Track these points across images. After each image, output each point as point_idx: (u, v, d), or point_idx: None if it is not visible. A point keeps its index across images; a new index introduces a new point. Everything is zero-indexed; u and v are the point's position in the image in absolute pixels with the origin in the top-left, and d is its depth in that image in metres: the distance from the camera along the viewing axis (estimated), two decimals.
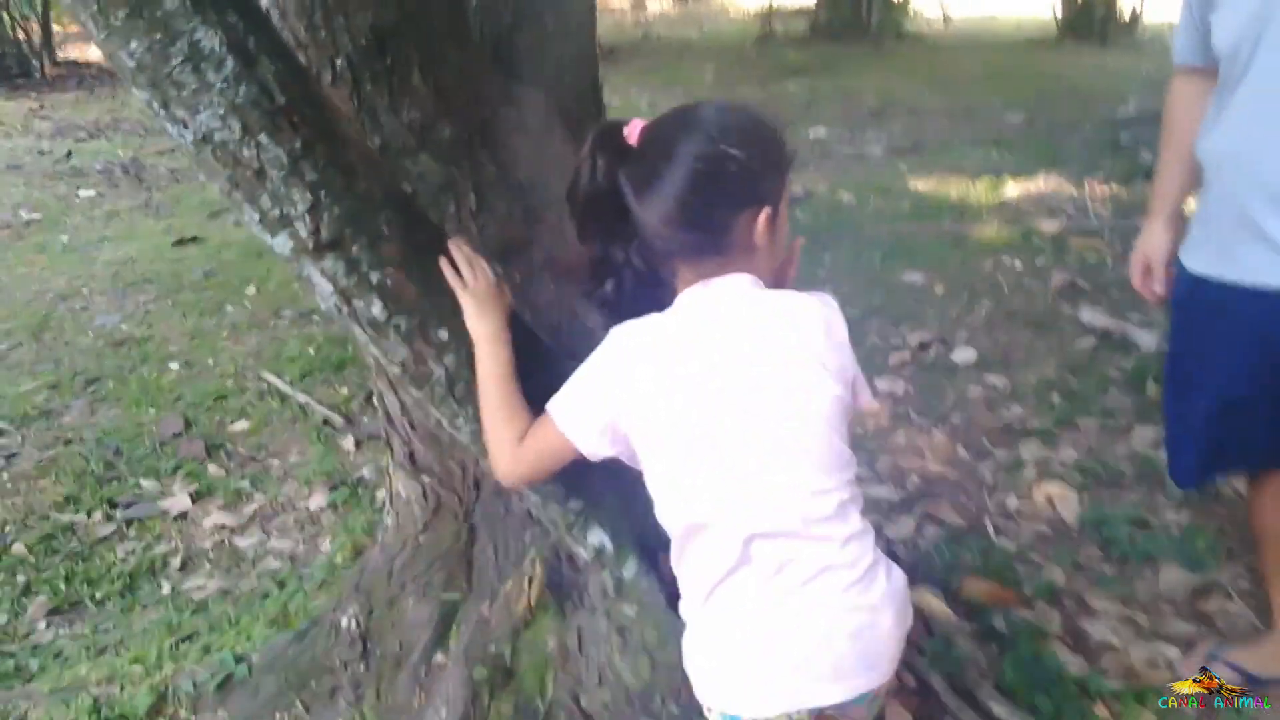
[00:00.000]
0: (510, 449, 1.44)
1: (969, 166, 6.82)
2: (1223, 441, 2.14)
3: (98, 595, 2.93)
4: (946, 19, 14.99)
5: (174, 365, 4.48)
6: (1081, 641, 2.49)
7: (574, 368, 1.73)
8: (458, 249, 1.52)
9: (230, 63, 1.23)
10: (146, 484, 3.51)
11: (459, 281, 1.50)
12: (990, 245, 5.34)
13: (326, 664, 2.09)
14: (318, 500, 3.41)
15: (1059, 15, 13.47)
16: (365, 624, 2.06)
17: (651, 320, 1.36)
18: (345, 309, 1.41)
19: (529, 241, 1.83)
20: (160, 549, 3.16)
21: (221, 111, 1.24)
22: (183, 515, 3.34)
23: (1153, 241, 2.23)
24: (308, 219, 1.30)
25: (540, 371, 1.51)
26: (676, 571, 1.44)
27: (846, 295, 4.71)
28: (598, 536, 1.67)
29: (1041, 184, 6.33)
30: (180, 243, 6.26)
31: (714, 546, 1.35)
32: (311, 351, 4.54)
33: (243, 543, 3.21)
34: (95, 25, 1.20)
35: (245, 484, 3.52)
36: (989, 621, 2.49)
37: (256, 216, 1.32)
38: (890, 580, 1.39)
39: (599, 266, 1.40)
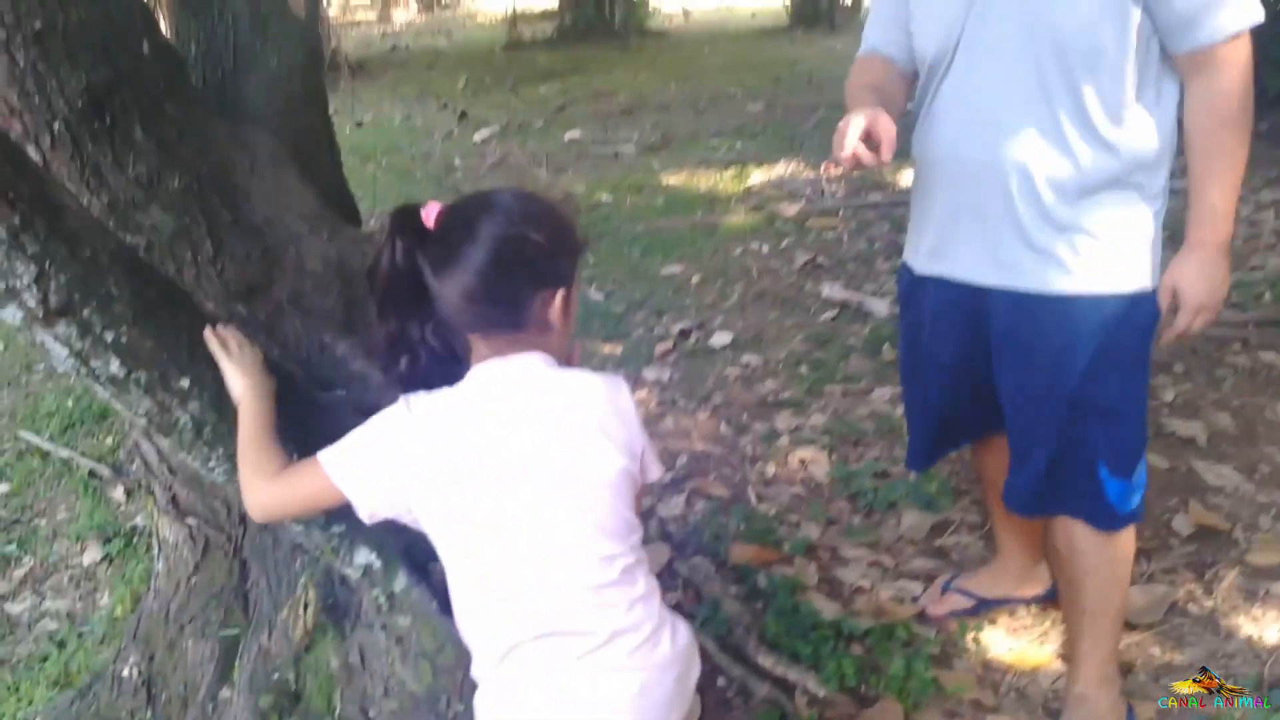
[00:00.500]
0: (263, 486, 1.48)
1: (716, 158, 7.16)
2: (946, 427, 2.32)
3: None
4: (686, 13, 15.50)
5: None
6: (836, 588, 2.73)
7: (324, 396, 1.82)
8: (217, 330, 1.60)
9: None
10: None
11: (222, 353, 1.57)
12: (739, 232, 5.65)
13: (111, 716, 2.10)
14: (92, 555, 3.32)
15: (788, 4, 14.17)
16: (147, 671, 2.07)
17: (442, 394, 1.41)
18: (83, 370, 1.45)
19: (270, 281, 1.89)
20: None
21: None
22: None
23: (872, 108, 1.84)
24: (34, 289, 1.33)
25: (293, 402, 1.60)
26: (464, 632, 1.50)
27: (611, 292, 4.94)
28: (364, 556, 1.75)
29: (782, 169, 6.72)
30: None
31: (504, 615, 1.42)
32: (70, 404, 4.37)
33: (15, 609, 3.09)
34: None
35: (12, 548, 3.39)
36: (754, 582, 2.70)
37: None
38: (675, 639, 1.48)
39: (396, 344, 1.44)
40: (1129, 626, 2.42)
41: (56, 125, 1.67)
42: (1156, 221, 1.94)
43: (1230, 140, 1.84)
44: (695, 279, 5.07)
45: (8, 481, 3.79)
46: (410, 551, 1.80)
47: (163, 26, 2.93)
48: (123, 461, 3.85)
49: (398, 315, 1.42)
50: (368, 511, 1.42)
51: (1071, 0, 1.78)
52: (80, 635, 2.91)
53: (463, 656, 1.64)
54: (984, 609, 2.60)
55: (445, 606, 1.81)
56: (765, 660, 2.35)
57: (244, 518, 1.92)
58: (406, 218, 1.40)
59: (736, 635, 2.42)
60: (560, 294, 1.42)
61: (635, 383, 3.94)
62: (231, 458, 1.55)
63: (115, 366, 1.45)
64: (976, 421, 2.28)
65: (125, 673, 2.11)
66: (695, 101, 9.47)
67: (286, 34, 2.23)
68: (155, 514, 2.03)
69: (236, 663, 1.98)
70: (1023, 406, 2.09)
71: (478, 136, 8.75)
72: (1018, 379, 2.07)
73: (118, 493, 3.65)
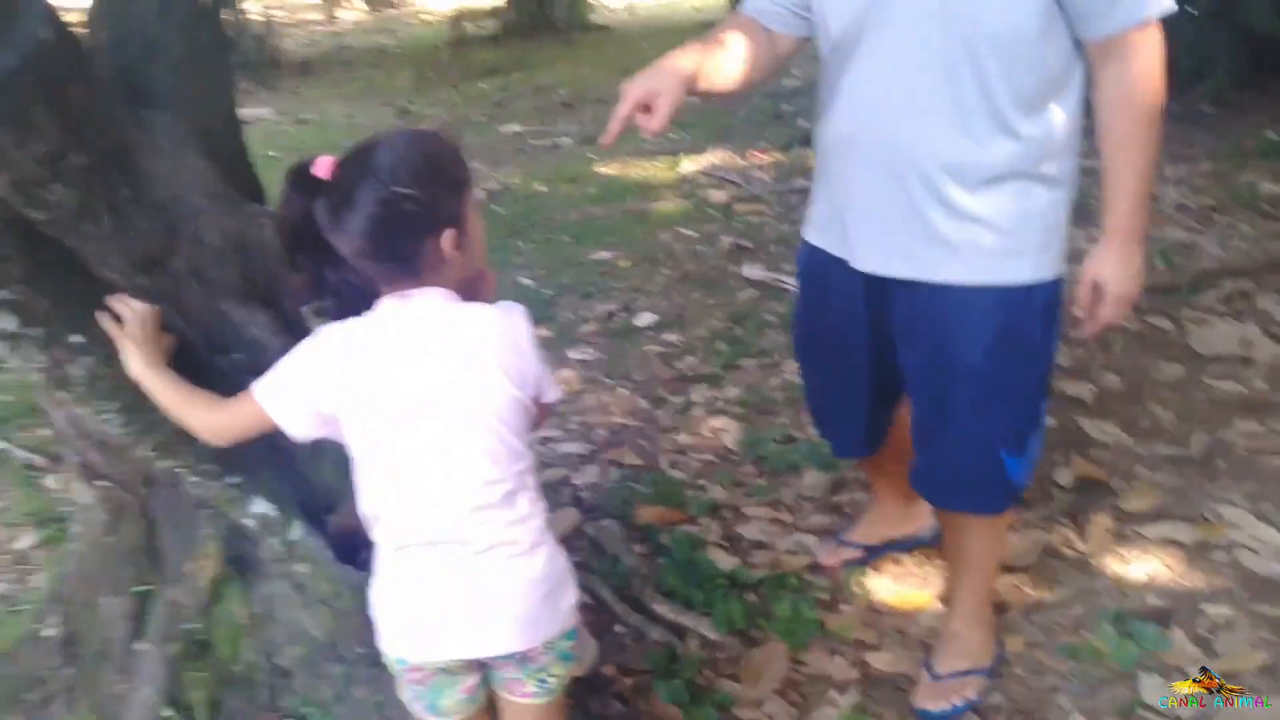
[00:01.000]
0: (207, 421, 1.63)
1: (650, 148, 7.24)
2: (885, 399, 2.30)
3: None
4: (630, 7, 15.61)
5: None
6: (737, 544, 2.88)
7: (226, 361, 1.94)
8: (115, 302, 1.68)
9: None
10: None
11: (117, 331, 1.66)
12: (668, 219, 5.78)
13: (36, 675, 2.19)
14: (26, 540, 3.40)
15: None
16: (67, 630, 2.18)
17: (353, 324, 1.53)
18: None
19: (171, 253, 1.98)
20: None
21: None
22: None
23: (670, 66, 1.91)
24: None
25: (193, 367, 1.72)
26: (370, 530, 1.63)
27: (542, 277, 5.06)
28: (260, 506, 1.87)
29: (712, 158, 6.86)
30: None
31: (397, 522, 1.57)
32: (8, 398, 4.43)
33: None
34: None
35: None
36: (657, 540, 2.84)
37: None
38: (550, 562, 1.62)
39: (318, 289, 1.56)
40: (1005, 569, 2.58)
41: None
42: (1061, 209, 1.94)
43: (1144, 127, 1.83)
44: (624, 263, 5.20)
45: None
46: (305, 502, 1.92)
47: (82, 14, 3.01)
48: (59, 452, 3.92)
49: (313, 264, 1.54)
50: (300, 435, 1.57)
51: None
52: (15, 613, 2.99)
53: (360, 601, 1.76)
54: (874, 556, 2.75)
55: (340, 555, 1.94)
56: (660, 608, 2.49)
57: (151, 479, 2.02)
58: (299, 175, 1.51)
59: (634, 586, 2.56)
60: (449, 235, 1.49)
61: (561, 362, 4.07)
62: (124, 410, 1.67)
63: (10, 323, 1.55)
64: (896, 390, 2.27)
65: (48, 633, 2.21)
66: None
67: (193, 19, 2.33)
68: (69, 479, 2.13)
69: (149, 617, 2.09)
70: (923, 393, 2.13)
71: None
72: (917, 366, 2.10)
73: (52, 480, 3.72)
